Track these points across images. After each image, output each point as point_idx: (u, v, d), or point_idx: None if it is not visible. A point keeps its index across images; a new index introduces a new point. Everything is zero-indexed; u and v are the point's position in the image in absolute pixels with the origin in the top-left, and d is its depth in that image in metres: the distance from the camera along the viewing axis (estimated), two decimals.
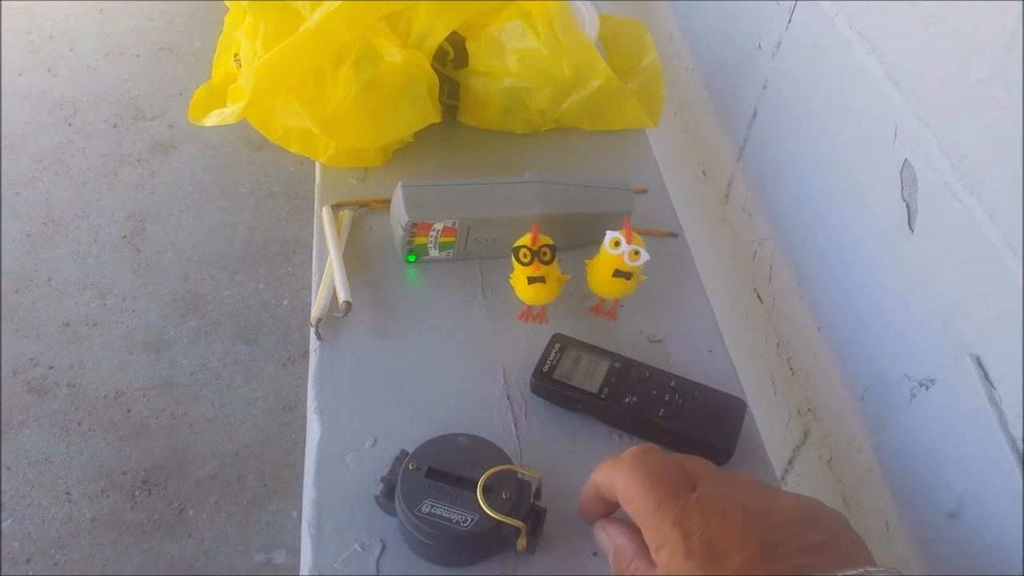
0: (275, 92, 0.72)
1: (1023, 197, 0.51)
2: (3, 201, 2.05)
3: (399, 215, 0.70)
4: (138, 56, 2.53)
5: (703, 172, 1.09)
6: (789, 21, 0.83)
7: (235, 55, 0.78)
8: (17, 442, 1.60)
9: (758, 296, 0.92)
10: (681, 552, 0.40)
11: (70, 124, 2.28)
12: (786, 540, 0.41)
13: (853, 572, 0.38)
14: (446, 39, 0.80)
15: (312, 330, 0.67)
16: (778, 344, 0.87)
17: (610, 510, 0.51)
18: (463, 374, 0.66)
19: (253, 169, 2.19)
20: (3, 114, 2.28)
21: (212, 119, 0.73)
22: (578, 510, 0.53)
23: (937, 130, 0.60)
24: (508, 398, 0.65)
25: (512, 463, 0.54)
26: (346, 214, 0.76)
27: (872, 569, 0.39)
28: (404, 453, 0.55)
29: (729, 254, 1.00)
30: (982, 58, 0.55)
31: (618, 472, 0.46)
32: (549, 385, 0.63)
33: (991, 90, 0.54)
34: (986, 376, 0.55)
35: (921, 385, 0.62)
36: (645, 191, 0.85)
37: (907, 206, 0.64)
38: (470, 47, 0.82)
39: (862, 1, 0.70)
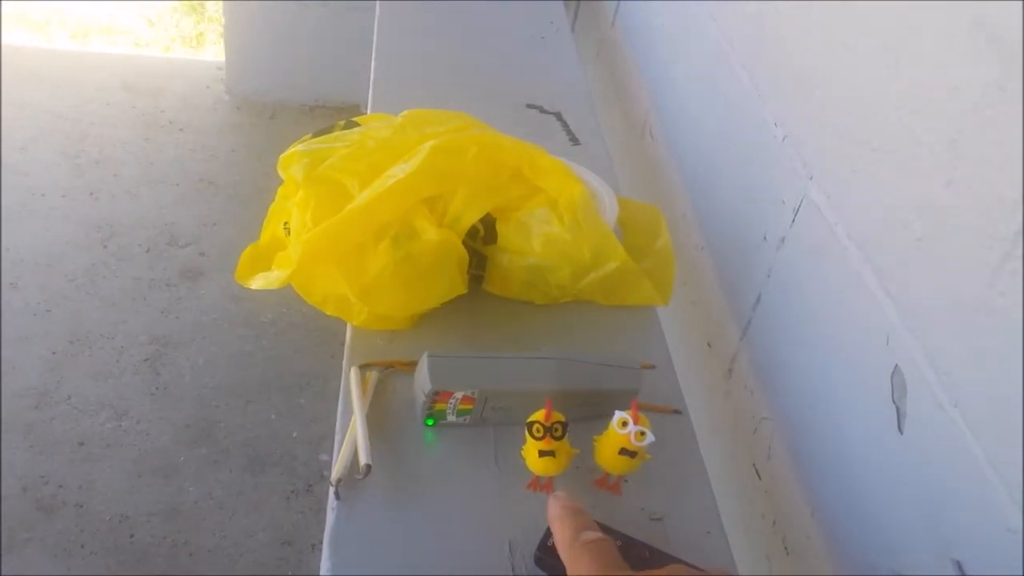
0: (319, 262, 0.79)
1: (1004, 417, 0.56)
2: (33, 318, 2.13)
3: (423, 383, 0.75)
4: (177, 185, 2.66)
5: (708, 344, 1.15)
6: (793, 221, 0.90)
7: (285, 223, 0.85)
8: (19, 560, 1.61)
9: (757, 472, 0.95)
10: None
11: (105, 246, 2.38)
12: None
13: None
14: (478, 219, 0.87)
15: (332, 490, 0.71)
16: (774, 523, 0.90)
17: None
18: (472, 543, 0.69)
19: (277, 300, 2.26)
20: (44, 234, 2.38)
21: (258, 282, 0.79)
22: None
23: (925, 343, 0.65)
24: (512, 569, 0.68)
25: None
26: (372, 375, 0.81)
27: None
28: None
29: (731, 428, 1.04)
30: (967, 284, 0.60)
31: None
32: (553, 560, 0.66)
33: (974, 317, 0.59)
34: None
35: None
36: (653, 367, 0.90)
37: (897, 409, 0.68)
38: (500, 227, 0.89)
39: (859, 214, 0.77)
